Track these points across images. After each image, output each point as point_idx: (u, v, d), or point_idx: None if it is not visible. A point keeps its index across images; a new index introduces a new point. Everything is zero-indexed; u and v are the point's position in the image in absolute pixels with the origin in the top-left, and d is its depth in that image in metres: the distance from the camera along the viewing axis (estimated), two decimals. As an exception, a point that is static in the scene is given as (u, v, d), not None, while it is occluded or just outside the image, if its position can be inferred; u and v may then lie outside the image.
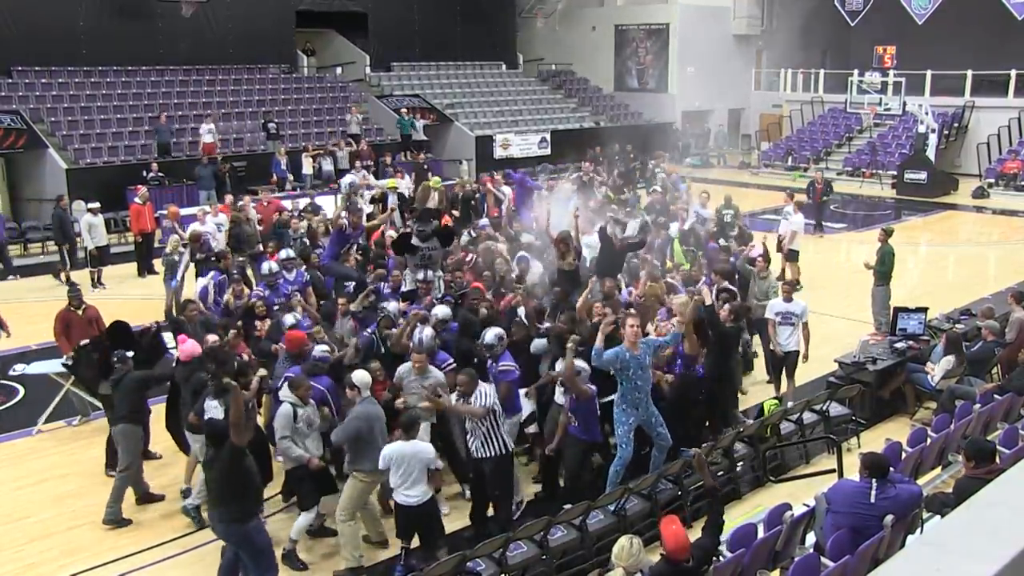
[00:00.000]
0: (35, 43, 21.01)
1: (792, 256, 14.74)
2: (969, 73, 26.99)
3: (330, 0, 26.65)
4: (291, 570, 6.70)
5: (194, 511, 7.36)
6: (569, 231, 10.53)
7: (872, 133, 28.56)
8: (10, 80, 20.81)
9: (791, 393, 9.37)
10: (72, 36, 21.70)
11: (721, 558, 5.50)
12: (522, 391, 7.94)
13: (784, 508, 5.89)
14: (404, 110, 24.68)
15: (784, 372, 9.51)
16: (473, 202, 15.90)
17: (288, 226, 13.03)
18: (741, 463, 8.00)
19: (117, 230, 17.97)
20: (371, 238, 11.86)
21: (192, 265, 12.27)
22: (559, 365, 7.56)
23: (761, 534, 5.71)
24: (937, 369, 9.18)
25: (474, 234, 12.35)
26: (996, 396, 8.35)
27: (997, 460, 5.97)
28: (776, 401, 9.18)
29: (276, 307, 9.31)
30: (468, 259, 10.72)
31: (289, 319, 8.42)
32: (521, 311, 8.68)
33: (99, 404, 8.78)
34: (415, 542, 6.58)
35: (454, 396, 6.87)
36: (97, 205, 15.25)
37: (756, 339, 10.41)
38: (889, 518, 5.42)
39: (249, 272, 11.40)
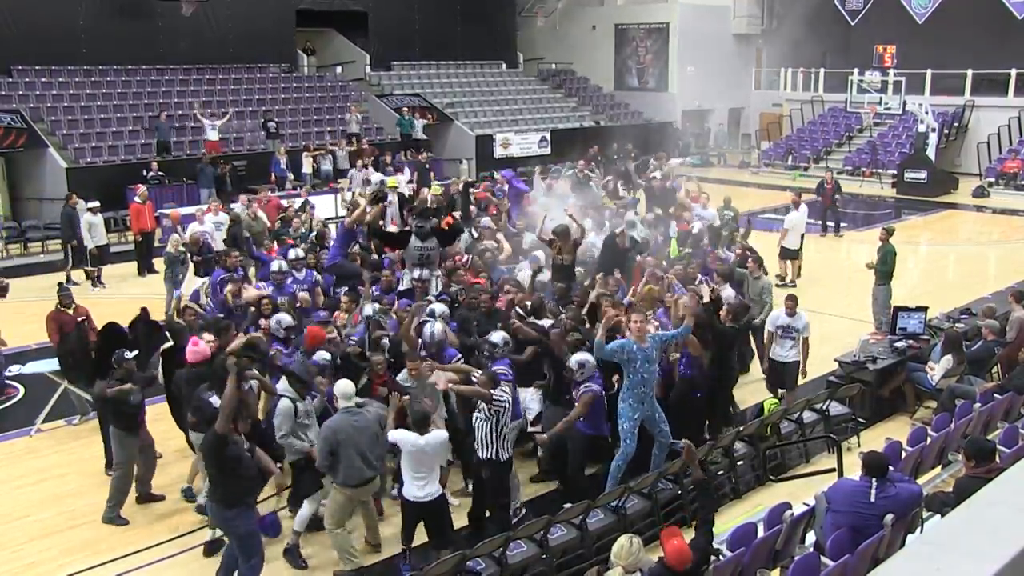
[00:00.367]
0: (35, 42, 21.01)
1: (787, 254, 14.74)
2: (969, 72, 26.99)
3: (330, -1, 26.71)
4: (292, 568, 6.69)
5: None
6: (566, 226, 10.55)
7: (872, 132, 28.55)
8: (10, 79, 20.80)
9: (791, 402, 9.25)
10: (72, 35, 21.69)
11: (721, 557, 5.49)
12: (531, 389, 7.94)
13: (784, 507, 5.89)
14: (405, 109, 24.67)
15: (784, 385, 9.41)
16: (470, 196, 15.71)
17: (290, 224, 13.03)
18: (741, 462, 8.00)
19: (117, 229, 17.96)
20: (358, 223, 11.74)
21: (191, 267, 12.28)
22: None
23: (761, 533, 5.71)
24: (937, 368, 9.18)
25: (476, 233, 12.34)
26: (996, 395, 8.34)
27: (997, 459, 5.96)
28: (776, 401, 9.17)
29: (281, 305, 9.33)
30: (464, 260, 10.69)
31: (285, 319, 8.41)
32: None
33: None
34: (413, 542, 6.57)
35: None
36: (97, 204, 15.24)
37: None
38: (889, 517, 5.42)
39: (250, 272, 11.41)
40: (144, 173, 19.11)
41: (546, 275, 10.23)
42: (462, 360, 7.78)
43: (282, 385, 6.99)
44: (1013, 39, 26.55)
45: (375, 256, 11.21)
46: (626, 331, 7.51)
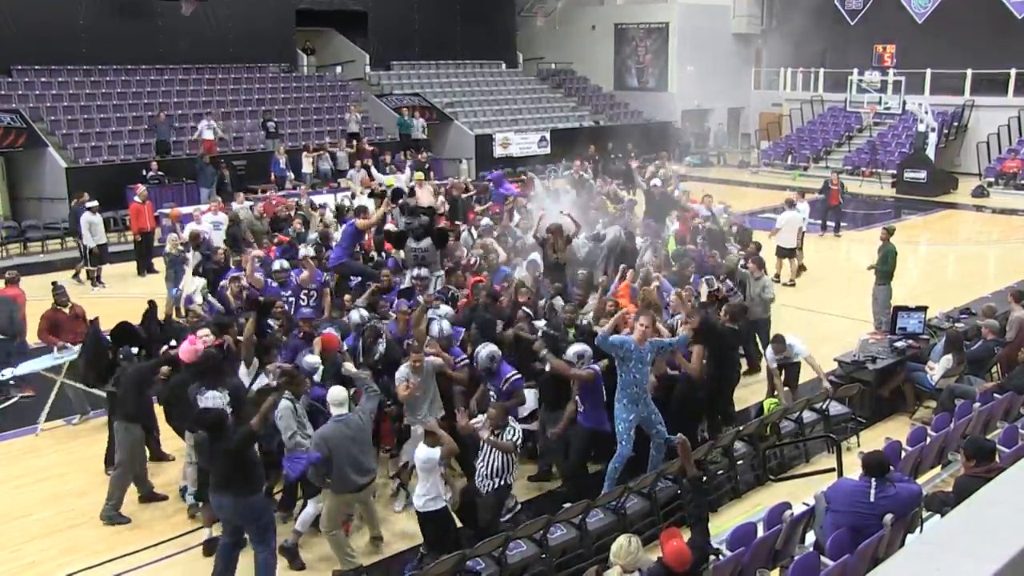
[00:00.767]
0: (35, 42, 21.00)
1: (781, 253, 14.73)
2: (969, 72, 26.99)
3: (330, -1, 26.70)
4: (291, 568, 6.70)
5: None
6: (560, 224, 10.55)
7: (872, 132, 28.55)
8: (10, 79, 20.79)
9: (789, 399, 9.20)
10: (72, 35, 21.68)
11: (721, 557, 5.49)
12: (530, 391, 7.95)
13: (784, 507, 5.89)
14: (404, 109, 24.66)
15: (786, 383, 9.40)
16: (467, 197, 15.69)
17: (290, 223, 13.03)
18: (741, 462, 8.00)
19: (116, 229, 17.96)
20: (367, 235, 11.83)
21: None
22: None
23: (761, 533, 5.71)
24: (937, 368, 9.18)
25: (476, 233, 12.34)
26: (996, 395, 8.34)
27: (997, 459, 5.97)
28: (776, 400, 9.17)
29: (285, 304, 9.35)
30: (471, 263, 10.69)
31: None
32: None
33: (98, 398, 8.79)
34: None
35: (483, 427, 6.81)
36: (96, 204, 15.25)
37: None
38: (889, 517, 5.42)
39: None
40: (144, 173, 19.10)
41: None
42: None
43: None
44: (1013, 39, 26.54)
45: (376, 255, 11.26)
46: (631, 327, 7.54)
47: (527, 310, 8.64)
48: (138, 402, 7.49)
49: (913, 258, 16.87)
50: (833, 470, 7.21)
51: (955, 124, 26.85)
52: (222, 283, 9.89)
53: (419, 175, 15.28)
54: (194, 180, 19.51)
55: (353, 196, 16.76)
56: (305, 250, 10.60)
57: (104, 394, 8.62)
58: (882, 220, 19.81)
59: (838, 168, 25.96)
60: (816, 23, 29.63)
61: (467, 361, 7.76)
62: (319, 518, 6.77)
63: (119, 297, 13.71)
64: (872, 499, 5.50)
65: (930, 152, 24.51)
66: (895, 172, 25.06)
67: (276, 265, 10.07)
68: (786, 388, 9.13)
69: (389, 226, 11.82)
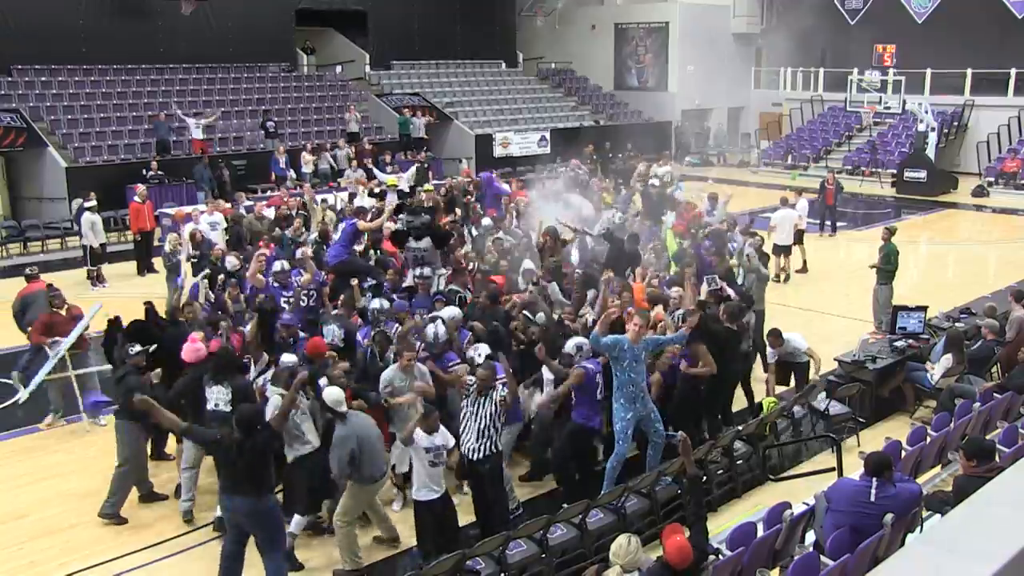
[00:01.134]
0: (35, 42, 20.98)
1: (777, 250, 14.78)
2: (969, 72, 26.99)
3: (330, -2, 26.69)
4: (289, 569, 6.69)
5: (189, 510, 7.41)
6: (555, 226, 10.55)
7: (872, 132, 28.56)
8: (10, 79, 20.79)
9: (800, 398, 9.13)
10: (72, 35, 21.67)
11: (721, 556, 5.49)
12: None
13: (784, 507, 5.89)
14: (405, 109, 24.65)
15: (794, 380, 9.39)
16: (466, 199, 15.68)
17: (290, 223, 13.01)
18: (740, 461, 8.00)
19: (116, 229, 17.96)
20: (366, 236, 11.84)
21: (189, 265, 12.28)
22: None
23: (761, 533, 5.71)
24: (937, 368, 9.18)
25: (475, 233, 12.34)
26: (996, 395, 8.34)
27: (997, 459, 5.96)
28: (775, 400, 9.17)
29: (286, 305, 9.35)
30: (470, 267, 10.67)
31: None
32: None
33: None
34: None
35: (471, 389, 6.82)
36: (93, 203, 15.25)
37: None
38: (889, 517, 5.42)
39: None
40: (143, 172, 19.11)
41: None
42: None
43: (269, 388, 7.04)
44: (1013, 39, 26.55)
45: (375, 253, 11.25)
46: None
47: (527, 313, 8.64)
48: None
49: (913, 258, 16.88)
50: (833, 470, 7.22)
51: (955, 124, 26.85)
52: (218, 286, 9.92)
53: (429, 187, 15.24)
54: (194, 181, 19.51)
55: (352, 196, 16.75)
56: (299, 252, 10.52)
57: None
58: (882, 220, 19.83)
59: (838, 168, 26.01)
60: (816, 23, 29.61)
61: (459, 363, 7.65)
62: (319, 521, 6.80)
63: (119, 297, 13.69)
64: (872, 499, 5.50)
65: (930, 152, 24.51)
66: (895, 172, 25.06)
67: (277, 266, 10.04)
68: (792, 386, 9.14)
69: (389, 224, 11.82)
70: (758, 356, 9.87)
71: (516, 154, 25.50)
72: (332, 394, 6.55)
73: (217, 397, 6.99)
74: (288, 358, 7.21)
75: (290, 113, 23.96)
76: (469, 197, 14.63)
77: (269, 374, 7.43)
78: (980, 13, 27.11)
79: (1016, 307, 9.72)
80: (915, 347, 9.86)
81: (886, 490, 5.52)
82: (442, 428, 6.50)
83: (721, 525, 6.88)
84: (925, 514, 6.02)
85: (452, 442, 6.57)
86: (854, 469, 6.36)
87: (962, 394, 8.60)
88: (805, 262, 15.48)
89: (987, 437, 7.01)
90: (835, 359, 9.92)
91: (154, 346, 7.79)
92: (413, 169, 18.34)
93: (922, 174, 24.04)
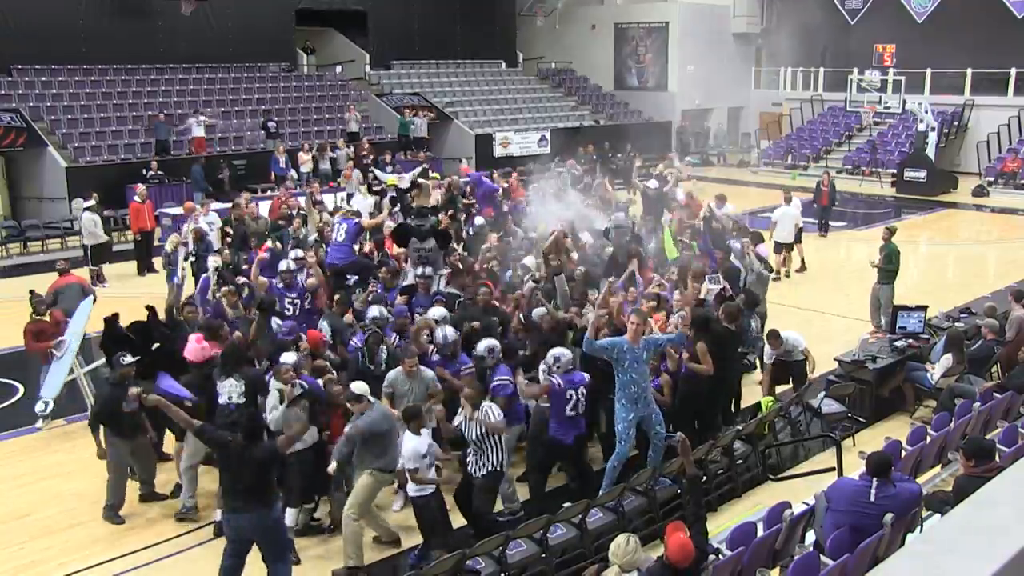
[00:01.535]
0: (35, 41, 20.99)
1: (779, 247, 14.89)
2: (969, 71, 26.98)
3: (330, -2, 26.69)
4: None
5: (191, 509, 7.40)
6: (556, 229, 10.54)
7: (872, 132, 28.55)
8: (10, 78, 20.79)
9: (798, 398, 9.10)
10: (72, 34, 21.67)
11: (721, 556, 5.49)
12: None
13: (784, 506, 5.89)
14: (405, 110, 24.64)
15: (792, 382, 9.36)
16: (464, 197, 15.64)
17: (291, 222, 13.02)
18: (740, 461, 8.00)
19: (116, 228, 17.97)
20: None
21: (188, 263, 12.28)
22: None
23: (760, 532, 5.71)
24: (937, 367, 9.18)
25: (473, 232, 12.33)
26: (996, 394, 8.34)
27: (997, 458, 5.96)
28: (773, 400, 9.17)
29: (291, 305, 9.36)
30: (484, 266, 10.66)
31: None
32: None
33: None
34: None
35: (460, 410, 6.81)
36: (92, 203, 15.26)
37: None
38: (889, 517, 5.42)
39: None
40: (143, 172, 19.11)
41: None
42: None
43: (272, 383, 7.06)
44: (1013, 38, 26.54)
45: (377, 254, 11.26)
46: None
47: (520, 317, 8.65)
48: (114, 417, 7.31)
49: (913, 257, 16.88)
50: (833, 469, 7.22)
51: (955, 123, 26.85)
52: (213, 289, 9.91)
53: (435, 175, 15.26)
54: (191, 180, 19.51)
55: (350, 197, 16.74)
56: (295, 254, 10.49)
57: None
58: (882, 220, 19.82)
59: (838, 168, 26.03)
60: (816, 23, 29.64)
61: (472, 369, 7.61)
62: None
63: (119, 297, 13.68)
64: (872, 499, 5.50)
65: (930, 152, 24.51)
66: (895, 171, 25.05)
67: (283, 265, 10.04)
68: (790, 386, 9.14)
69: (388, 222, 11.85)
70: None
71: (516, 154, 25.47)
72: (360, 387, 6.67)
73: (230, 391, 6.99)
74: (288, 356, 7.24)
75: (290, 113, 23.96)
76: (468, 200, 14.63)
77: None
78: (980, 13, 27.10)
79: (1016, 307, 9.72)
80: (915, 347, 9.85)
81: (886, 490, 5.52)
82: (427, 429, 6.50)
83: (721, 525, 6.88)
84: (925, 514, 6.01)
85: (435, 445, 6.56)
86: (854, 469, 6.36)
87: (962, 394, 8.59)
88: (803, 260, 15.51)
89: (987, 437, 7.01)
90: (835, 359, 9.91)
91: (153, 345, 7.79)
92: (418, 170, 18.35)
93: (922, 174, 24.04)
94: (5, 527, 7.41)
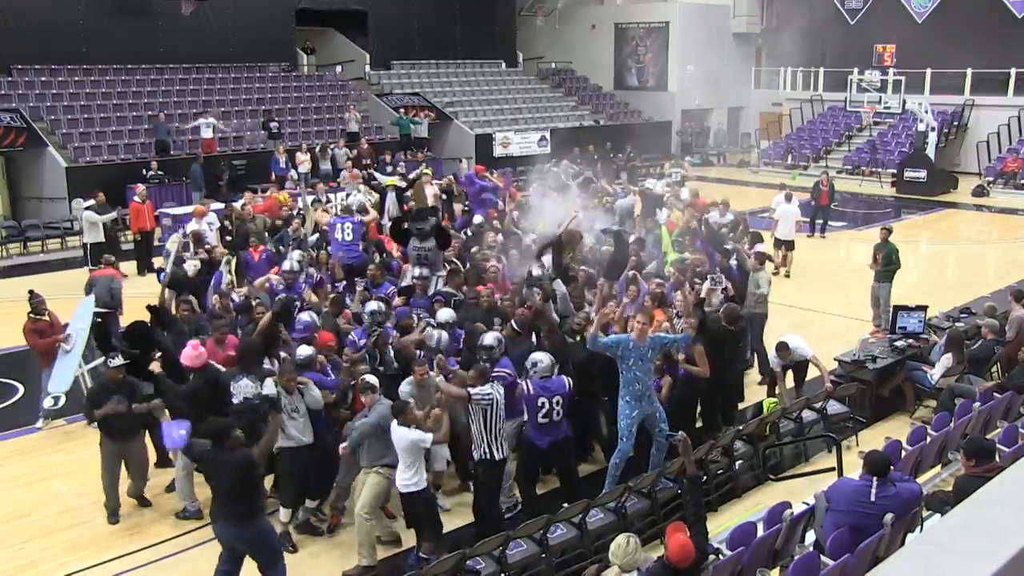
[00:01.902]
0: (35, 41, 20.98)
1: (779, 244, 15.01)
2: (969, 71, 26.99)
3: (330, -2, 26.68)
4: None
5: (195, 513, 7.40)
6: (573, 229, 10.53)
7: (872, 131, 28.56)
8: (10, 78, 20.78)
9: (792, 396, 9.13)
10: (72, 34, 21.66)
11: (721, 556, 5.49)
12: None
13: (784, 506, 5.89)
14: (403, 109, 24.62)
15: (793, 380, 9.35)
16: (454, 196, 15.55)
17: (290, 223, 13.00)
18: (741, 461, 8.00)
19: (116, 228, 17.93)
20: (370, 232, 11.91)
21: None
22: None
23: (761, 532, 5.71)
24: (937, 367, 9.18)
25: (471, 232, 12.31)
26: (996, 394, 8.34)
27: (997, 458, 5.96)
28: (774, 400, 9.17)
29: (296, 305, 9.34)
30: (495, 266, 10.63)
31: None
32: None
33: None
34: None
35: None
36: (92, 202, 15.26)
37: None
38: (889, 516, 5.42)
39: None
40: (143, 172, 19.11)
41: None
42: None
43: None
44: (1013, 38, 26.55)
45: (380, 256, 11.27)
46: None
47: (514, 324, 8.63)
48: (103, 418, 7.27)
49: (913, 257, 16.88)
50: (833, 469, 7.22)
51: (955, 123, 26.86)
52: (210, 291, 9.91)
53: (428, 170, 15.24)
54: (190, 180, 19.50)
55: (348, 196, 16.72)
56: (292, 254, 10.47)
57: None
58: (882, 220, 19.81)
59: (838, 168, 26.02)
60: (816, 23, 29.65)
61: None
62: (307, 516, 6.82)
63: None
64: (873, 499, 5.50)
65: (930, 151, 24.52)
66: (895, 171, 25.06)
67: (286, 265, 10.03)
68: (790, 387, 9.12)
69: (385, 221, 11.88)
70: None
71: (516, 154, 25.47)
72: (374, 380, 6.79)
73: (244, 392, 6.94)
74: (303, 349, 7.31)
75: (290, 113, 23.96)
76: (467, 202, 14.62)
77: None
78: (980, 13, 27.11)
79: (1016, 307, 9.72)
80: (915, 347, 9.86)
81: (886, 490, 5.52)
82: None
83: (721, 525, 6.88)
84: (925, 514, 6.01)
85: (428, 439, 6.49)
86: (854, 469, 6.36)
87: (962, 394, 8.60)
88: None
89: (987, 437, 7.01)
90: (835, 359, 9.92)
91: (153, 349, 7.78)
92: (416, 172, 18.32)
93: (922, 174, 24.05)
94: (5, 527, 7.41)
